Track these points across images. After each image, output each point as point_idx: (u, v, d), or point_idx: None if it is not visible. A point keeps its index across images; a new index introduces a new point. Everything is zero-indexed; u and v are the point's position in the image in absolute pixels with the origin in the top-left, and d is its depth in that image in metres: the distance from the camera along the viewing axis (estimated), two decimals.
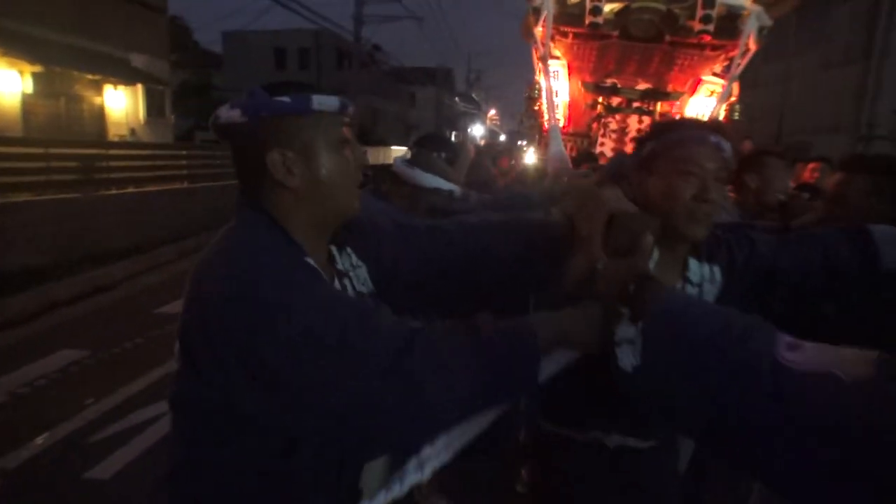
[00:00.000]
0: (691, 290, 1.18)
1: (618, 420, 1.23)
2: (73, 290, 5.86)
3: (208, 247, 0.94)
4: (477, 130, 42.62)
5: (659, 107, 5.66)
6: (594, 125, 5.84)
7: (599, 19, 4.71)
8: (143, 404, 3.53)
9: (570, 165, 4.06)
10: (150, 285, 6.51)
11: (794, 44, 13.09)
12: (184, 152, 11.88)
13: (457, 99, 47.70)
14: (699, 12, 4.59)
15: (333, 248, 1.09)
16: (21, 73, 10.41)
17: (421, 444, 0.90)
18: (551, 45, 5.00)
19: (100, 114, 12.60)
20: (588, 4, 4.68)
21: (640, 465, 1.27)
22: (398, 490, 0.90)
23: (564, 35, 5.04)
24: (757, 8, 4.59)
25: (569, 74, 5.47)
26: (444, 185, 1.89)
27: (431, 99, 42.81)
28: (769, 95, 13.87)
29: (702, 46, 4.92)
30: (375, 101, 31.81)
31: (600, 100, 5.72)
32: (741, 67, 4.81)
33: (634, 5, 4.74)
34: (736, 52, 4.72)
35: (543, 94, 5.23)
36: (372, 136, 26.06)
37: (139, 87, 13.47)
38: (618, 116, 5.71)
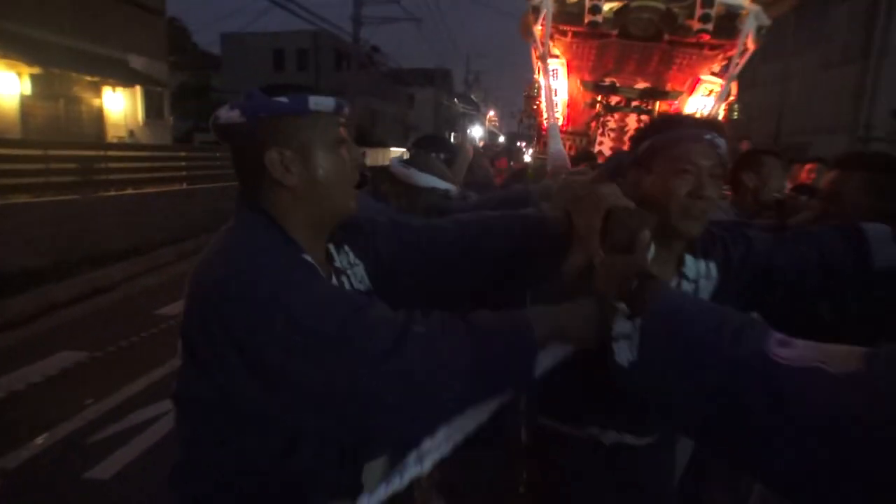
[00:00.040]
0: (687, 286, 1.19)
1: (615, 416, 1.24)
2: (72, 291, 5.86)
3: (208, 247, 0.95)
4: (476, 132, 42.68)
5: (658, 106, 5.67)
6: (593, 124, 5.85)
7: (598, 18, 4.71)
8: (142, 404, 3.53)
9: (569, 164, 4.06)
10: (148, 287, 6.51)
11: (792, 43, 13.11)
12: (182, 154, 11.92)
13: (455, 100, 47.70)
14: (698, 11, 4.59)
15: (331, 247, 1.10)
16: (19, 74, 10.44)
17: (420, 439, 0.90)
18: (550, 43, 5.00)
19: (98, 115, 12.62)
20: (587, 3, 4.68)
21: (637, 462, 1.27)
22: (398, 483, 0.90)
23: (563, 34, 5.05)
24: (755, 7, 4.60)
25: (568, 73, 5.48)
26: (441, 184, 1.89)
27: (430, 100, 42.80)
28: (768, 95, 13.89)
29: (700, 46, 4.93)
30: (374, 103, 31.80)
31: (599, 98, 5.73)
32: (739, 67, 4.82)
33: (633, 4, 4.75)
34: (734, 52, 4.73)
35: (542, 92, 5.24)
36: (371, 137, 26.06)
37: (138, 88, 13.51)
38: (616, 115, 5.73)
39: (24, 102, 10.67)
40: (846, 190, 1.52)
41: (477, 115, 49.18)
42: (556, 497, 1.36)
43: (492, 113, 49.74)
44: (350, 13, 19.87)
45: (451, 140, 6.35)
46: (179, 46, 22.93)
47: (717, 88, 5.05)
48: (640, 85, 5.54)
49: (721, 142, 1.13)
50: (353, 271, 1.12)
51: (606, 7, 4.75)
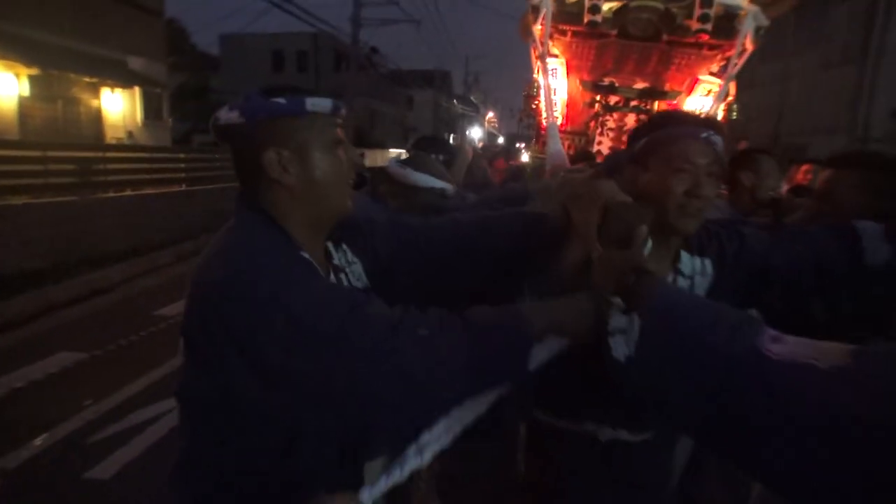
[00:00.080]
0: (683, 283, 1.20)
1: (610, 412, 1.24)
2: (71, 292, 5.86)
3: (208, 247, 0.97)
4: (475, 133, 42.66)
5: (656, 105, 5.69)
6: (592, 123, 5.87)
7: (598, 18, 4.73)
8: (142, 404, 3.53)
9: (568, 164, 4.07)
10: (147, 288, 6.51)
11: (792, 43, 13.10)
12: (181, 155, 11.87)
13: (454, 101, 47.72)
14: (697, 11, 4.61)
15: (330, 245, 1.11)
16: (18, 76, 10.43)
17: (419, 433, 0.91)
18: (550, 43, 5.02)
19: (97, 117, 12.61)
20: (587, 3, 4.71)
21: (632, 459, 1.27)
22: (399, 475, 0.91)
23: (563, 33, 5.07)
24: (754, 8, 4.62)
25: (567, 73, 5.49)
26: (437, 183, 1.89)
27: (429, 101, 42.83)
28: (767, 95, 13.88)
29: (699, 46, 4.94)
30: (373, 104, 31.82)
31: (598, 98, 5.74)
32: (738, 67, 4.83)
33: (633, 4, 4.77)
34: (733, 52, 4.75)
35: (542, 92, 5.25)
36: (370, 138, 26.07)
37: (136, 89, 13.49)
38: (615, 115, 5.74)
39: (23, 104, 10.66)
40: (839, 189, 1.52)
41: (476, 116, 49.16)
42: (553, 491, 1.36)
43: (491, 114, 49.76)
44: (349, 14, 19.86)
45: (451, 141, 6.35)
46: (178, 47, 22.87)
47: (716, 88, 5.07)
48: (639, 85, 5.56)
49: (718, 140, 1.14)
50: (350, 269, 1.13)
51: (606, 7, 4.77)
